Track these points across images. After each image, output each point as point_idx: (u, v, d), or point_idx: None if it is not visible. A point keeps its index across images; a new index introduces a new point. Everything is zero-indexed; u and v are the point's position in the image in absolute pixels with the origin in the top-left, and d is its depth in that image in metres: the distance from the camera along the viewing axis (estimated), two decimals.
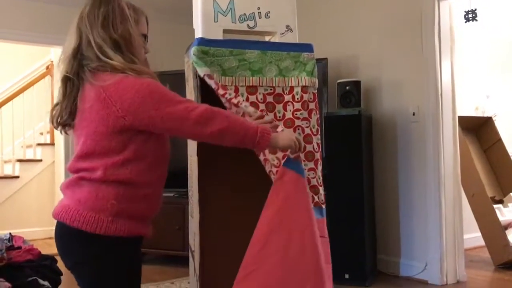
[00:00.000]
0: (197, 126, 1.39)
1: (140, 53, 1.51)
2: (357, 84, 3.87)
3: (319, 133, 2.06)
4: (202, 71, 1.86)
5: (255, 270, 1.58)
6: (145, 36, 1.57)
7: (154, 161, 1.46)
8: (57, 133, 5.69)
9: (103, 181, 1.41)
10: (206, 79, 1.86)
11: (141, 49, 1.52)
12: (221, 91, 1.87)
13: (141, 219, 1.47)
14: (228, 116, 1.45)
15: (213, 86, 1.88)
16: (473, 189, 4.32)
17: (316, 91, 2.05)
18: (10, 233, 2.27)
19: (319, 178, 2.04)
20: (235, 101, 1.87)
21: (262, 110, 1.97)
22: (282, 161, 1.72)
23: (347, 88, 3.86)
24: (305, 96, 2.01)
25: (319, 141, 2.06)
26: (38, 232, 5.78)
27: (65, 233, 1.45)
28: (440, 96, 3.68)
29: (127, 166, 1.41)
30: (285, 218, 1.61)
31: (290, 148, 1.55)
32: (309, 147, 2.02)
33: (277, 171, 1.77)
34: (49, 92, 5.99)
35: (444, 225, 3.70)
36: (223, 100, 1.88)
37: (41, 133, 6.20)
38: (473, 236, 4.55)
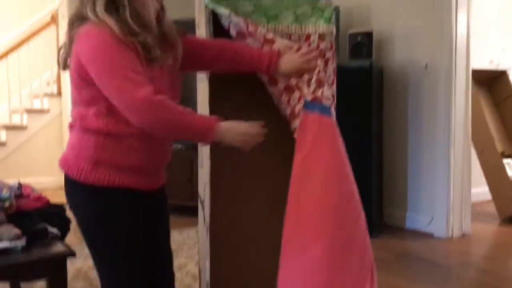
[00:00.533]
0: (125, 111, 1.33)
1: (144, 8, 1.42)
2: (369, 35, 3.77)
3: (335, 83, 1.99)
4: (224, 11, 1.77)
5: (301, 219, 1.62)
6: None
7: None
8: (64, 83, 5.64)
9: (84, 130, 1.41)
10: (233, 17, 1.77)
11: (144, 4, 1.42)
12: (251, 28, 1.77)
13: (129, 170, 1.41)
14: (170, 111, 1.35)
15: (241, 23, 1.77)
16: (483, 144, 4.28)
17: (333, 39, 1.97)
18: (19, 182, 2.27)
19: None
20: (269, 36, 1.78)
21: None
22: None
23: (358, 39, 3.77)
24: (322, 45, 1.92)
25: (335, 93, 1.99)
26: (48, 182, 5.85)
27: (64, 179, 1.49)
28: (454, 49, 3.58)
29: (102, 118, 1.38)
30: (318, 159, 1.66)
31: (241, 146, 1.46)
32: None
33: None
34: (54, 41, 5.91)
35: (452, 179, 3.69)
36: (250, 40, 1.77)
37: (48, 83, 6.15)
38: (480, 190, 4.56)
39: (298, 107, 1.78)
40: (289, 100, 1.80)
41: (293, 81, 1.77)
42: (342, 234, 1.65)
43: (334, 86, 1.96)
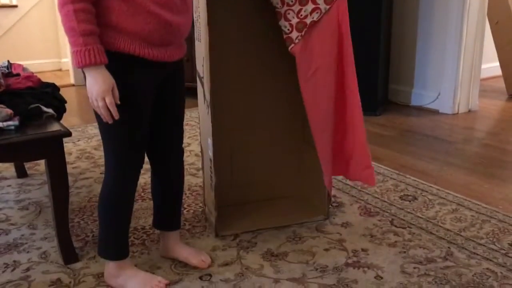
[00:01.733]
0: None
1: None
2: None
3: None
4: None
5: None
6: None
7: None
8: None
9: None
10: None
11: None
12: None
13: (137, 37, 1.33)
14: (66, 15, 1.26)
15: None
16: (498, 16, 4.05)
17: None
18: (8, 61, 2.17)
19: None
20: None
21: None
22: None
23: None
24: None
25: None
26: (46, 64, 5.73)
27: None
28: None
29: None
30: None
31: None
32: None
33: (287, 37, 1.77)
34: None
35: (463, 54, 3.54)
36: None
37: None
38: (489, 66, 4.42)
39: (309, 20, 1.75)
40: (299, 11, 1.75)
41: None
42: None
43: None
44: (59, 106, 1.92)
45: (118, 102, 1.32)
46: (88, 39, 1.26)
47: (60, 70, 5.78)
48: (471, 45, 3.56)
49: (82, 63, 1.26)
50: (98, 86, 1.28)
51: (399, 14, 3.79)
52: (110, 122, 1.34)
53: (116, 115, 1.32)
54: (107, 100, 1.29)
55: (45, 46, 5.65)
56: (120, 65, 1.34)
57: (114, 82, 1.31)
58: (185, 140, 3.03)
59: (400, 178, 2.47)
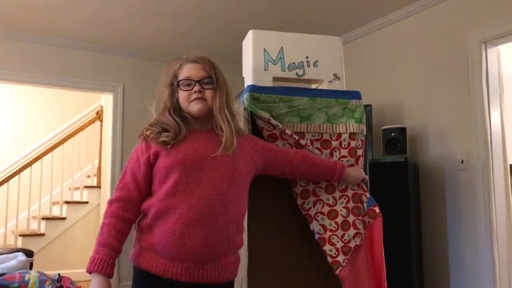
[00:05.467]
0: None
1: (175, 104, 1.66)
2: (402, 130, 3.83)
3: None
4: (263, 113, 1.89)
5: None
6: (192, 80, 1.63)
7: (168, 191, 1.55)
8: (103, 176, 5.84)
9: None
10: (271, 120, 1.89)
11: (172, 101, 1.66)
12: (286, 131, 1.90)
13: (159, 253, 1.51)
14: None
15: (278, 127, 1.91)
16: None
17: (364, 137, 2.04)
18: (59, 274, 2.31)
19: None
20: (303, 142, 1.93)
21: None
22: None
23: (392, 134, 3.83)
24: (353, 143, 2.00)
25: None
26: (82, 273, 5.85)
27: None
28: (489, 144, 3.58)
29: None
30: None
31: None
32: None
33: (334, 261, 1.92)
34: (98, 137, 6.21)
35: (498, 277, 3.51)
36: (280, 143, 1.90)
37: (88, 176, 6.38)
38: None
39: (353, 244, 1.95)
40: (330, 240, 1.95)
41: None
42: None
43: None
44: None
45: None
46: (99, 248, 1.47)
47: None
48: (505, 272, 3.56)
49: (88, 268, 1.47)
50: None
51: (428, 239, 3.91)
52: None
53: None
54: None
55: (84, 256, 5.85)
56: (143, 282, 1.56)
57: None
58: None
59: None
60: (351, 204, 1.94)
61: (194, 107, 1.61)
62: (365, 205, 1.96)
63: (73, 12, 4.07)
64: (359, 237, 1.90)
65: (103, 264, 1.44)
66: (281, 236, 1.99)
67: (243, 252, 1.86)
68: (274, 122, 1.89)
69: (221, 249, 1.52)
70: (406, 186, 3.63)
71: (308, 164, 1.83)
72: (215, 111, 1.61)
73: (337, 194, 1.95)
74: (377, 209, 1.95)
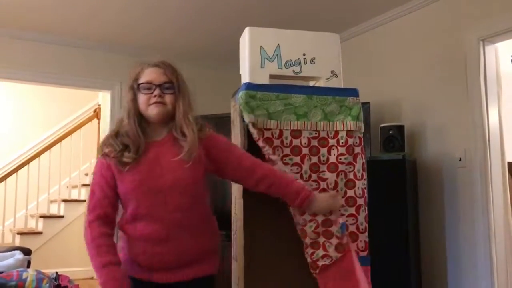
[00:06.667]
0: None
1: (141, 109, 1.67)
2: (400, 128, 3.83)
3: (364, 178, 2.03)
4: (248, 117, 1.88)
5: None
6: (153, 84, 1.63)
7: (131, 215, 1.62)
8: None
9: None
10: (250, 127, 1.88)
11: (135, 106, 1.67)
12: (261, 143, 1.90)
13: (137, 266, 1.60)
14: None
15: (255, 136, 1.90)
16: None
17: (362, 135, 2.03)
18: (56, 272, 2.31)
19: (361, 225, 2.00)
20: (273, 157, 1.90)
21: (305, 155, 1.97)
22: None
23: (390, 132, 3.82)
24: (350, 141, 2.00)
25: (365, 186, 2.03)
26: (79, 272, 5.85)
27: None
28: (487, 142, 3.58)
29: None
30: None
31: None
32: (350, 192, 2.00)
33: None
34: (95, 134, 6.20)
35: (496, 282, 3.51)
36: (271, 149, 1.91)
37: (86, 174, 6.37)
38: None
39: (321, 263, 1.91)
40: (312, 254, 1.93)
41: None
42: None
43: (364, 180, 2.03)
44: None
45: None
46: (104, 270, 1.54)
47: (92, 278, 5.86)
48: (503, 269, 3.55)
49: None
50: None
51: (426, 237, 3.91)
52: None
53: None
54: None
55: (80, 254, 5.85)
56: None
57: None
58: None
59: None
60: (320, 229, 1.90)
61: (153, 111, 1.62)
62: (340, 230, 1.91)
63: (70, 10, 4.05)
64: (328, 258, 1.88)
65: (116, 282, 1.47)
66: (277, 237, 1.99)
67: (240, 252, 1.86)
68: (252, 129, 1.89)
69: (195, 255, 1.62)
70: (404, 183, 3.63)
71: (268, 182, 1.74)
72: (178, 117, 1.62)
73: (307, 217, 1.89)
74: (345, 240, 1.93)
